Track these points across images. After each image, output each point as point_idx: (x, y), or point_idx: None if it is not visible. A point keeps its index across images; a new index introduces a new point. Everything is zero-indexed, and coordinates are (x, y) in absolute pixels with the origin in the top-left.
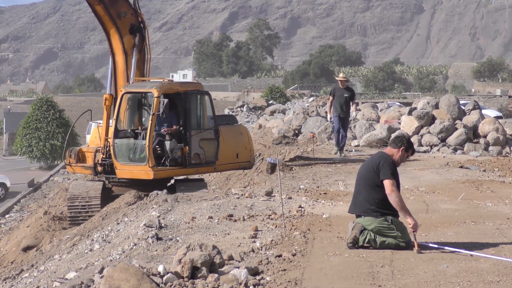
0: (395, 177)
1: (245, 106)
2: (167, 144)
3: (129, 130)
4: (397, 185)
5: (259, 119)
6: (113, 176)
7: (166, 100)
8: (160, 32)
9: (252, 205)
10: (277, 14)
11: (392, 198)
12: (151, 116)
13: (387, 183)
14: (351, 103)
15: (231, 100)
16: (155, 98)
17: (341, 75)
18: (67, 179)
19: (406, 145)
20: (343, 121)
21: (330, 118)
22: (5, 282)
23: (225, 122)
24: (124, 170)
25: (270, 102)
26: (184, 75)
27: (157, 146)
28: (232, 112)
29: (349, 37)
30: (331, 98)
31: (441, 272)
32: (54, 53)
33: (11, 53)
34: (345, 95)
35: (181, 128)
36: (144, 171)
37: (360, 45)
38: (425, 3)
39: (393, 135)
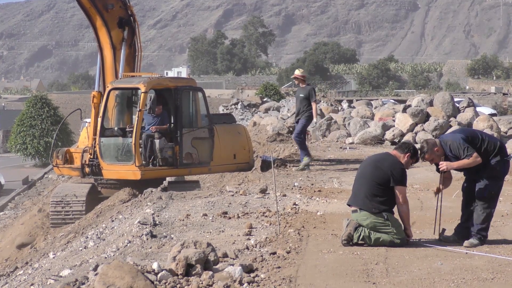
0: (406, 184)
1: (240, 103)
2: (156, 142)
3: (115, 128)
4: None
5: (254, 117)
6: (101, 177)
7: (153, 96)
8: (154, 30)
9: (246, 203)
10: (272, 11)
11: (404, 208)
12: (137, 112)
13: (402, 192)
14: (312, 104)
15: (226, 98)
16: (142, 94)
17: (296, 72)
18: (61, 176)
19: (412, 152)
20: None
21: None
22: (0, 279)
23: (222, 121)
24: (111, 170)
25: (265, 99)
26: (178, 73)
27: (146, 145)
28: (227, 109)
29: (344, 34)
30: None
31: (435, 270)
32: (49, 50)
33: (6, 51)
34: (301, 95)
35: (171, 126)
36: (131, 171)
37: (355, 42)
38: (419, 1)
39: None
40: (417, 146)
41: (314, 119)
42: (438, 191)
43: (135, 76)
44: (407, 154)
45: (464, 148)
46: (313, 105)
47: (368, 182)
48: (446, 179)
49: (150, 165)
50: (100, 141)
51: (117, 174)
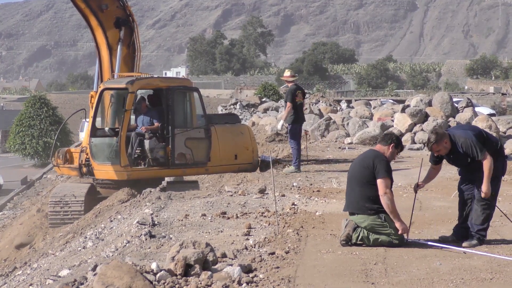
0: (390, 176)
1: (238, 103)
2: (146, 142)
3: (106, 129)
4: (391, 184)
5: (252, 117)
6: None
7: (139, 96)
8: (153, 30)
9: (245, 203)
10: (270, 11)
11: (384, 200)
12: (124, 112)
13: (382, 183)
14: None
15: (225, 98)
16: (129, 94)
17: (285, 73)
18: (60, 176)
19: (396, 142)
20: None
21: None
22: None
23: (224, 121)
24: (101, 170)
25: (263, 99)
26: (177, 73)
27: (135, 145)
28: (226, 109)
29: (342, 34)
30: None
31: (434, 270)
32: (47, 50)
33: (4, 51)
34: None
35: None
36: (118, 172)
37: (353, 42)
38: (418, 1)
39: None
40: (416, 146)
41: (282, 121)
42: (416, 188)
43: (126, 77)
44: (391, 145)
45: (478, 147)
46: (287, 105)
47: (358, 184)
48: (435, 171)
49: (142, 165)
50: (90, 141)
51: (106, 175)
